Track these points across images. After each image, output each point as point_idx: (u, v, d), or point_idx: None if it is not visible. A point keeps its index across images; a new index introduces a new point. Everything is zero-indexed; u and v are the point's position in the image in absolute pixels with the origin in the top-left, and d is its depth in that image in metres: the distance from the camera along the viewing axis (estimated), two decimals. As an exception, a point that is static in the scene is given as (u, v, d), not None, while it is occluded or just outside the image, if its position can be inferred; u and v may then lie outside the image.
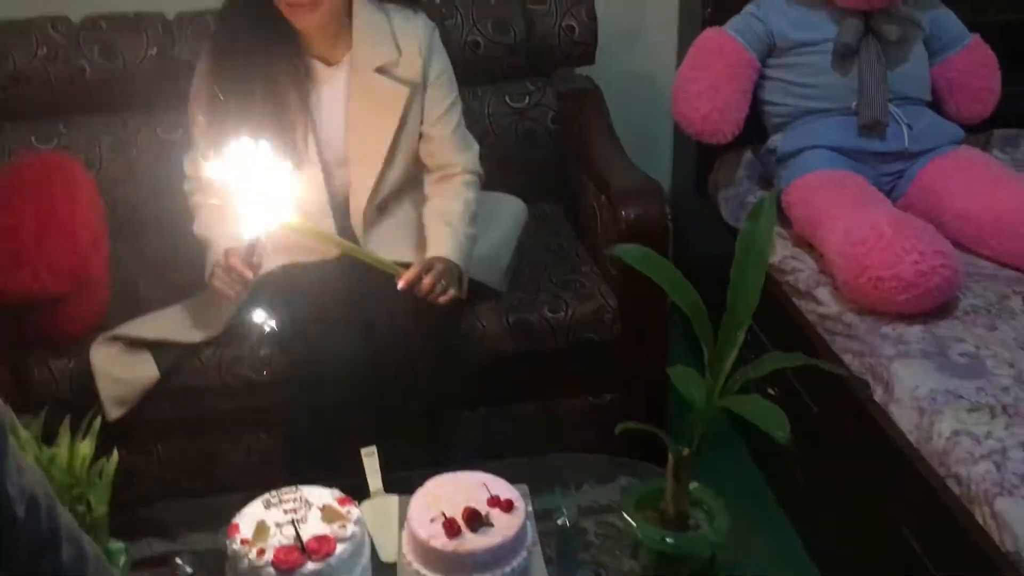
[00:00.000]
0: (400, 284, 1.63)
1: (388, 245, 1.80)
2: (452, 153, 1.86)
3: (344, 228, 1.81)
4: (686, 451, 1.24)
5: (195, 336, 1.77)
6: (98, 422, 1.22)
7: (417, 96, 1.81)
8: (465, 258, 1.76)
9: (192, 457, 1.89)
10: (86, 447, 1.16)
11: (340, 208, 1.83)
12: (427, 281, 1.66)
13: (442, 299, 1.69)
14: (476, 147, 1.91)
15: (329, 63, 1.80)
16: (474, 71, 2.14)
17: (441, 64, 1.85)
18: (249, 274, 1.65)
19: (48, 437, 1.20)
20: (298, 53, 1.77)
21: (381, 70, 1.78)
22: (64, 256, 1.63)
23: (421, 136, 1.85)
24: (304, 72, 1.77)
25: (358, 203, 1.81)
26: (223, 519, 1.31)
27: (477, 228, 1.85)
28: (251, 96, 1.70)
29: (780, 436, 1.05)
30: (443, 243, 1.75)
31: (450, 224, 1.78)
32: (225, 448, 1.90)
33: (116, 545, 1.27)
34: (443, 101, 1.85)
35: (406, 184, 1.88)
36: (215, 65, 1.76)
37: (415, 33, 1.82)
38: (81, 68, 2.06)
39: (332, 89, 1.80)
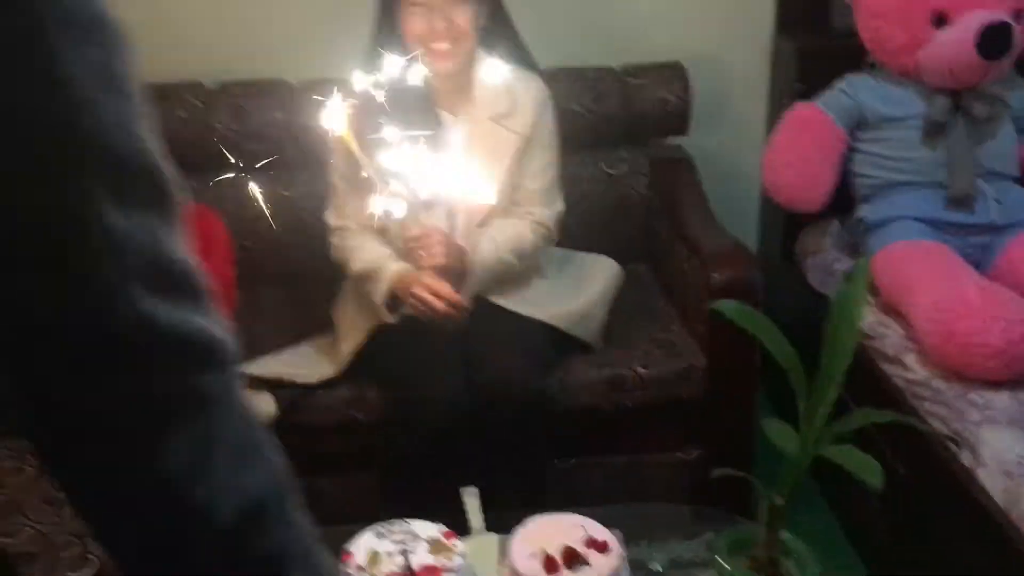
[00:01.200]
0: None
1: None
2: (535, 206, 1.98)
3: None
4: (780, 500, 1.31)
5: (311, 377, 1.90)
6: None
7: (526, 149, 1.95)
8: (483, 269, 1.87)
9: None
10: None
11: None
12: (426, 239, 1.79)
13: (425, 263, 1.81)
14: (560, 209, 2.03)
15: (453, 114, 1.94)
16: (573, 138, 2.27)
17: (550, 125, 1.99)
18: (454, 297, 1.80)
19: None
20: (430, 104, 1.91)
21: (495, 119, 1.92)
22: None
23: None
24: (435, 120, 1.91)
25: (472, 235, 1.93)
26: (332, 549, 1.41)
27: (571, 283, 1.96)
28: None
29: (874, 483, 1.11)
30: (491, 244, 1.88)
31: (493, 239, 1.89)
32: (328, 486, 2.01)
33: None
34: (541, 158, 1.98)
35: None
36: (356, 117, 1.91)
37: (530, 93, 1.97)
38: (212, 129, 2.25)
39: (453, 138, 1.94)
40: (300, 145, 2.24)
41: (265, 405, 1.87)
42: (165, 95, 2.25)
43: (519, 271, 1.96)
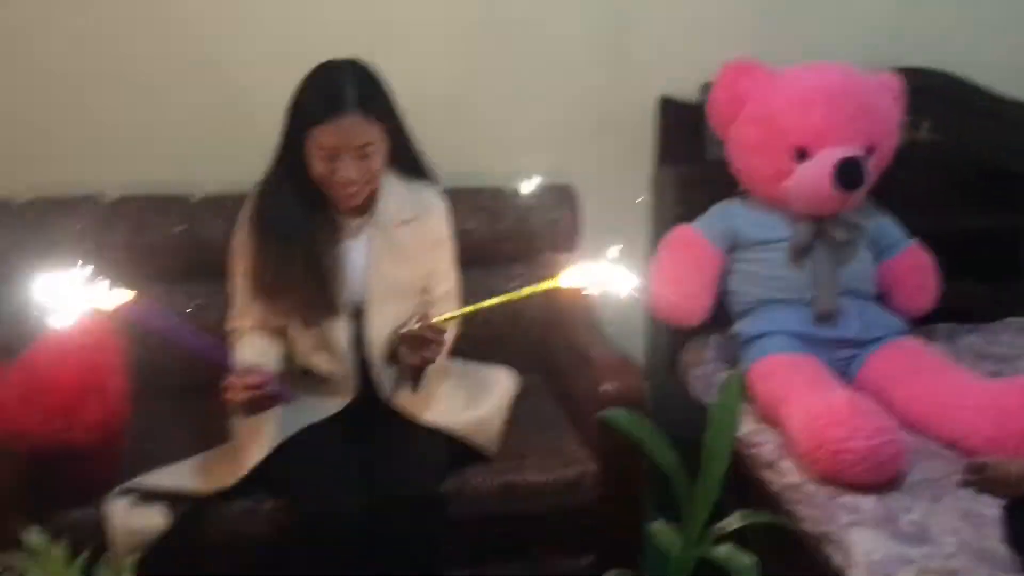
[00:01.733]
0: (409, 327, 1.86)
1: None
2: (450, 302, 2.08)
3: (358, 365, 1.99)
4: (667, 601, 1.38)
5: (205, 486, 1.89)
6: (134, 558, 1.34)
7: (433, 251, 2.06)
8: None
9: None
10: (127, 581, 1.28)
11: (353, 347, 1.99)
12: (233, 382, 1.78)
13: (427, 353, 1.88)
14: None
15: (354, 218, 2.00)
16: (471, 254, 2.37)
17: (450, 230, 2.11)
18: (251, 380, 1.78)
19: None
20: (331, 215, 1.97)
21: (404, 224, 2.01)
22: (96, 413, 1.77)
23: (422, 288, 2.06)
24: (336, 228, 1.98)
25: (379, 338, 1.98)
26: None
27: (470, 392, 2.08)
28: (292, 253, 1.91)
29: (751, 580, 1.20)
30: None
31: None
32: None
33: None
34: (446, 259, 2.10)
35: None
36: (256, 227, 1.96)
37: (434, 200, 2.08)
38: (112, 243, 2.27)
39: (356, 241, 2.00)
40: (199, 259, 2.28)
41: (155, 518, 1.85)
42: (63, 208, 2.26)
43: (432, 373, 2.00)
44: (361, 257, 2.01)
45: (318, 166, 1.88)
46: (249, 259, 1.99)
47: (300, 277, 1.92)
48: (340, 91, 1.84)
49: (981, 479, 1.67)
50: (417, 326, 1.88)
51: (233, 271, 2.03)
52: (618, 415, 1.40)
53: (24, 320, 2.18)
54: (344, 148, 1.85)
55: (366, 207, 2.01)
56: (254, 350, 1.94)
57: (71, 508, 1.87)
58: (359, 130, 1.86)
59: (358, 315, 2.00)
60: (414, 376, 1.98)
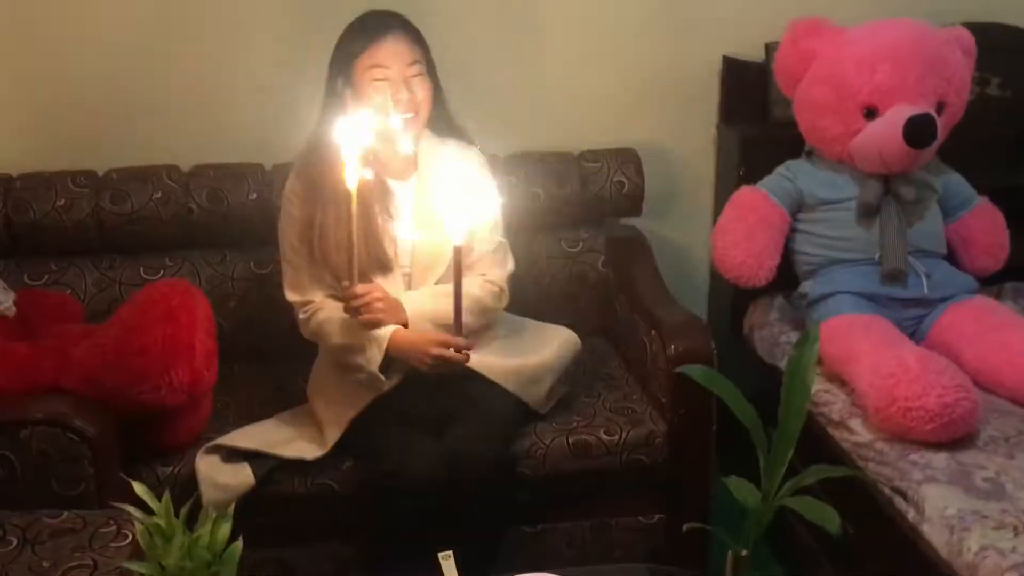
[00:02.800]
0: (346, 284, 1.83)
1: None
2: (487, 266, 2.06)
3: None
4: (743, 552, 1.41)
5: (288, 453, 1.95)
6: (232, 508, 1.40)
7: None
8: (421, 319, 1.94)
9: (269, 566, 2.03)
10: (226, 529, 1.34)
11: None
12: (364, 295, 1.85)
13: (362, 318, 1.86)
14: (511, 269, 2.10)
15: (399, 181, 2.04)
16: (535, 218, 2.40)
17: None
18: (461, 342, 1.84)
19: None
20: (377, 176, 1.98)
21: (443, 185, 1.98)
22: (182, 375, 1.83)
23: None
24: (383, 190, 2.01)
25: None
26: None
27: (522, 345, 2.08)
28: (341, 213, 1.89)
29: (833, 529, 1.22)
30: (418, 298, 1.96)
31: (436, 295, 1.95)
32: (300, 556, 2.05)
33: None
34: (487, 226, 2.04)
35: None
36: (307, 189, 1.99)
37: (471, 160, 2.08)
38: (189, 209, 2.34)
39: (402, 205, 2.04)
40: (270, 226, 2.33)
41: (242, 476, 1.92)
42: (143, 176, 2.34)
43: (475, 330, 2.01)
44: (407, 219, 2.03)
45: (375, 96, 1.92)
46: (298, 224, 2.00)
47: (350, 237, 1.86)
48: (382, 18, 1.95)
49: None
50: (434, 352, 1.88)
51: (283, 247, 2.04)
52: (695, 370, 1.43)
53: (110, 284, 2.30)
54: (396, 65, 1.91)
55: (410, 170, 2.04)
56: (350, 324, 1.93)
57: (159, 465, 1.95)
58: (405, 47, 1.93)
59: (407, 279, 2.03)
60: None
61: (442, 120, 2.07)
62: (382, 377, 1.94)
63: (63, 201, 2.28)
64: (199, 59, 2.45)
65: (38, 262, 2.32)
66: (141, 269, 2.34)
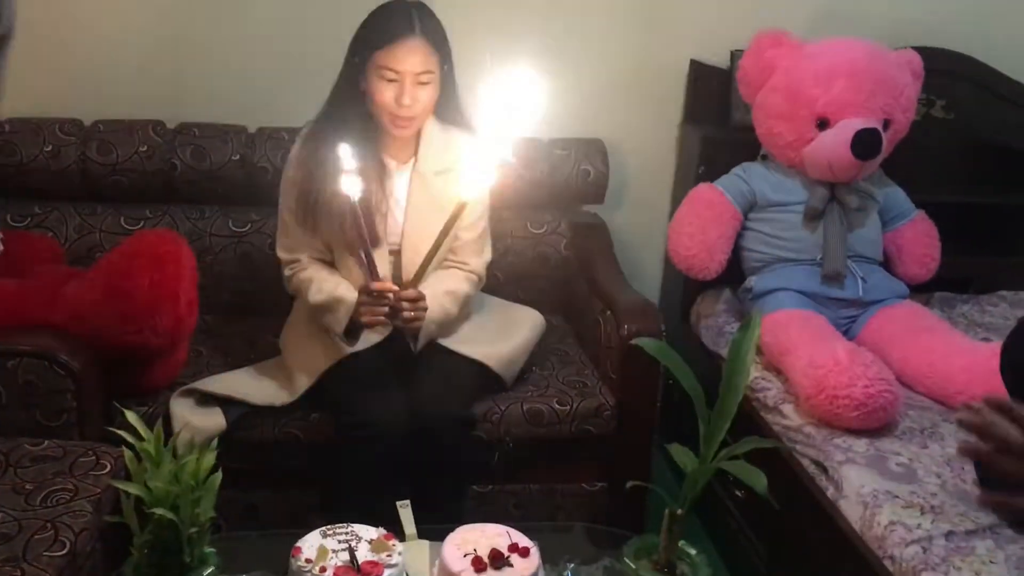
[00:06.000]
0: (375, 285, 1.93)
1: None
2: (469, 255, 2.19)
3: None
4: (679, 511, 1.56)
5: (259, 400, 2.05)
6: (216, 440, 1.52)
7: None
8: (429, 321, 2.05)
9: (235, 506, 2.13)
10: (211, 458, 1.46)
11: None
12: (409, 295, 1.96)
13: (405, 316, 1.96)
14: (488, 257, 2.25)
15: (398, 162, 2.14)
16: (502, 198, 2.52)
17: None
18: (389, 285, 1.95)
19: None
20: (379, 156, 2.10)
21: (440, 174, 2.11)
22: (166, 320, 1.92)
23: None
24: (382, 167, 2.11)
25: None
26: (278, 550, 1.58)
27: (499, 328, 2.21)
28: (337, 200, 1.98)
29: (760, 488, 1.37)
30: (435, 300, 2.06)
31: (435, 295, 2.07)
32: (269, 499, 2.15)
33: (209, 550, 1.54)
34: (475, 212, 2.16)
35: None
36: (310, 158, 2.07)
37: (470, 147, 2.15)
38: (172, 164, 2.42)
39: (398, 186, 2.14)
40: (252, 186, 2.43)
41: (215, 419, 2.03)
42: (128, 130, 2.41)
43: (456, 317, 2.16)
44: (402, 200, 2.14)
45: (385, 93, 1.99)
46: (296, 189, 2.09)
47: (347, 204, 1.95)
48: (407, 18, 1.99)
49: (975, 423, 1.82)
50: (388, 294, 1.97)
51: (281, 206, 2.14)
52: (648, 342, 1.57)
53: (91, 230, 2.37)
54: (407, 73, 1.98)
55: (410, 153, 2.14)
56: (333, 278, 2.07)
57: (134, 405, 2.04)
58: (421, 56, 1.98)
59: (395, 255, 2.14)
60: (412, 334, 2.09)
61: (450, 110, 2.13)
62: (345, 340, 2.05)
63: (50, 147, 2.36)
64: (192, 20, 2.53)
65: (23, 204, 2.39)
66: (122, 219, 2.43)
